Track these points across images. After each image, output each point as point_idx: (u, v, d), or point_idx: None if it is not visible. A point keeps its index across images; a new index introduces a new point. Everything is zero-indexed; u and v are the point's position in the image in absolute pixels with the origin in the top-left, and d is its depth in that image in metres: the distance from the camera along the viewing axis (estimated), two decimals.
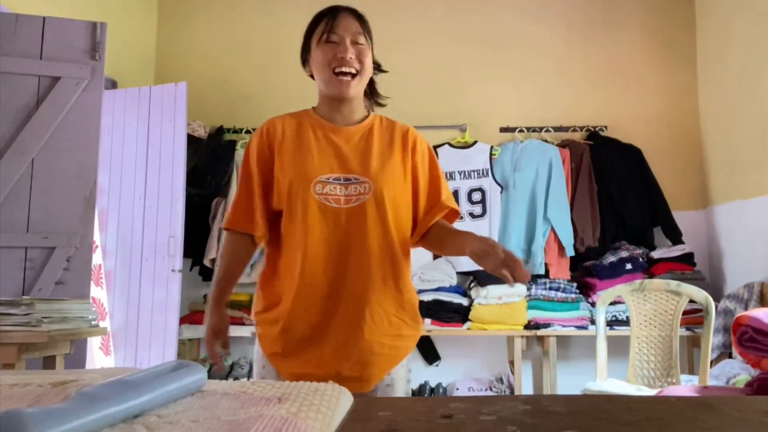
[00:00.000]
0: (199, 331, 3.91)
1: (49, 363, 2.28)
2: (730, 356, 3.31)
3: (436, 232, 1.57)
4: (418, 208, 1.56)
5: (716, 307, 3.16)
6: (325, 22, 1.49)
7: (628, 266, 3.78)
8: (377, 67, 1.60)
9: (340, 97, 1.49)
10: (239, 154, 4.15)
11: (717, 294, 3.74)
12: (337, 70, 1.46)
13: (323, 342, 1.43)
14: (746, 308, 3.25)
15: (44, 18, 2.91)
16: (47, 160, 2.83)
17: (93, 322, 2.41)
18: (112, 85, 3.90)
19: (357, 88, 1.50)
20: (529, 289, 3.81)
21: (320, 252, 1.43)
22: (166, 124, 3.74)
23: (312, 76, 1.57)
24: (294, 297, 1.44)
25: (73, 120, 2.87)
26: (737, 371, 3.03)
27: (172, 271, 3.62)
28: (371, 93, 1.64)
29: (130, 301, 3.65)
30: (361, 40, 1.49)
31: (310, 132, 1.52)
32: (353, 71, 1.47)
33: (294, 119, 1.55)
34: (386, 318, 1.46)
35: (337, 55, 1.45)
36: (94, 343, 3.41)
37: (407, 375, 1.54)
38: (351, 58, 1.46)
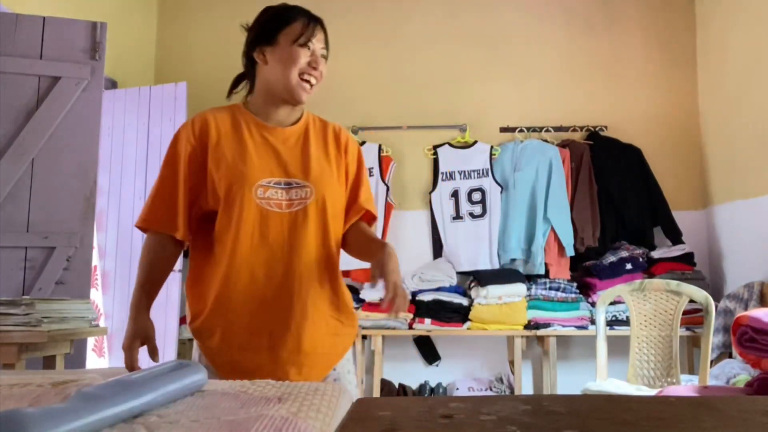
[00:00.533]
0: None
1: (49, 363, 2.28)
2: (730, 356, 3.31)
3: (354, 236, 1.57)
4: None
5: (716, 307, 3.16)
6: (302, 25, 1.51)
7: (628, 266, 3.78)
8: None
9: (293, 101, 1.50)
10: None
11: (717, 294, 3.74)
12: (305, 77, 1.48)
13: (262, 349, 1.42)
14: (746, 308, 3.25)
15: (44, 18, 2.91)
16: (47, 160, 2.83)
17: (93, 322, 2.41)
18: (112, 85, 3.90)
19: (308, 97, 1.51)
20: (529, 289, 3.81)
21: (258, 257, 1.42)
22: (166, 124, 3.74)
23: (254, 63, 1.55)
24: (229, 304, 1.43)
25: (73, 120, 2.87)
26: (737, 371, 3.03)
27: (172, 271, 3.62)
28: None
29: (130, 302, 3.65)
30: (325, 54, 1.54)
31: (246, 131, 1.49)
32: (314, 81, 1.50)
33: (227, 115, 1.52)
34: (324, 320, 1.48)
35: (312, 64, 1.48)
36: (87, 344, 3.41)
37: (353, 369, 1.58)
38: (321, 71, 1.50)
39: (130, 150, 3.78)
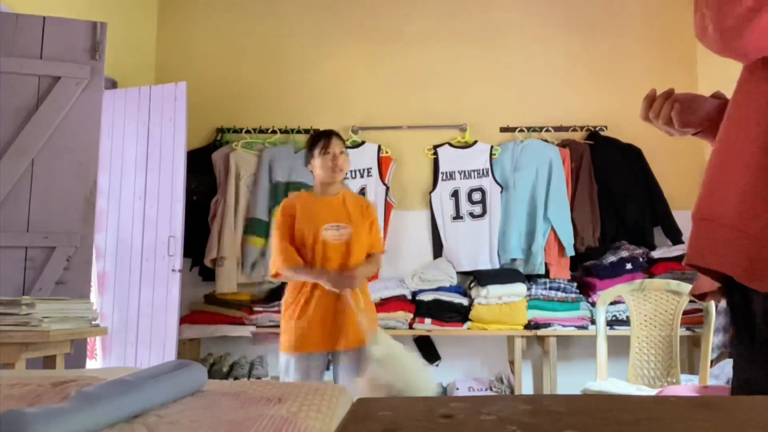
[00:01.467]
0: (199, 331, 3.91)
1: (49, 363, 2.28)
2: (730, 356, 3.31)
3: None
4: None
5: (716, 307, 3.16)
6: (324, 140, 2.64)
7: (628, 266, 3.78)
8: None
9: (331, 181, 2.65)
10: (236, 154, 4.15)
11: None
12: (332, 167, 2.62)
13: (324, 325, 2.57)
14: None
15: (44, 18, 2.91)
16: (47, 160, 2.83)
17: (93, 322, 2.41)
18: (112, 85, 3.90)
19: (341, 177, 2.68)
20: (529, 289, 3.81)
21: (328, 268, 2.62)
22: (166, 124, 3.74)
23: (311, 171, 2.72)
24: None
25: (73, 120, 2.87)
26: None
27: (172, 271, 3.62)
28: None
29: (130, 302, 3.64)
30: (345, 150, 2.69)
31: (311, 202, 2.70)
32: (340, 170, 2.65)
33: (301, 198, 2.73)
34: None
35: (333, 161, 2.62)
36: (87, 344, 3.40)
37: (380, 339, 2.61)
38: (341, 161, 2.64)
39: (130, 150, 3.78)
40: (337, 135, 2.69)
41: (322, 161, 2.61)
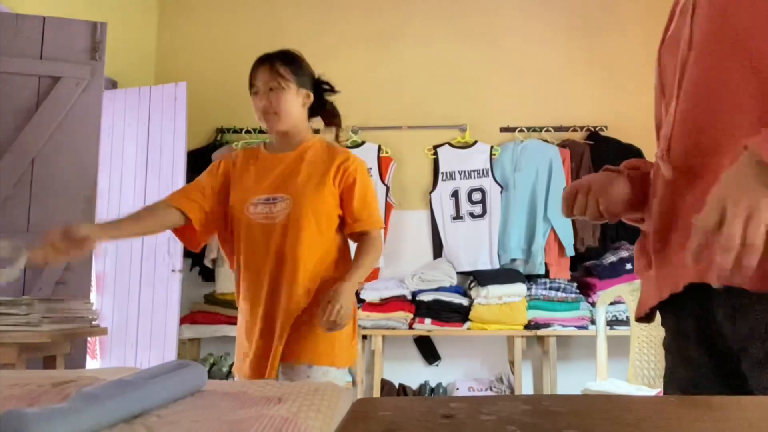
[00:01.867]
0: (199, 331, 3.91)
1: (49, 363, 2.28)
2: None
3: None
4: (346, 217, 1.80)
5: None
6: (251, 73, 1.86)
7: (628, 266, 3.78)
8: (326, 89, 1.88)
9: (271, 132, 1.82)
10: None
11: None
12: (264, 117, 1.79)
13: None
14: None
15: (44, 18, 2.91)
16: (47, 160, 2.83)
17: (93, 322, 2.41)
18: (112, 85, 3.90)
19: (282, 124, 1.78)
20: (529, 289, 3.81)
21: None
22: (166, 124, 3.74)
23: None
24: None
25: (73, 120, 2.87)
26: None
27: (173, 271, 3.62)
28: (323, 115, 1.91)
29: (130, 302, 3.64)
30: (274, 85, 1.77)
31: (251, 163, 1.83)
32: (271, 112, 1.77)
33: (248, 151, 1.90)
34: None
35: (257, 106, 1.79)
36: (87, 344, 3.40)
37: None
38: (266, 105, 1.77)
39: (130, 150, 3.78)
40: (272, 59, 1.81)
41: (253, 105, 1.83)
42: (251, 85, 1.81)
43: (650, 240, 0.99)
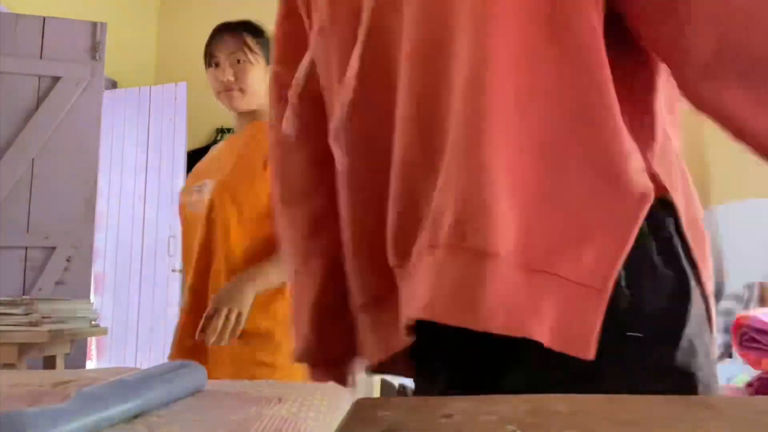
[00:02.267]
0: None
1: (49, 363, 2.29)
2: (730, 356, 3.31)
3: None
4: None
5: (716, 306, 3.16)
6: (206, 46, 1.56)
7: None
8: None
9: (232, 111, 1.57)
10: None
11: (717, 294, 3.74)
12: (224, 93, 1.53)
13: None
14: (746, 308, 3.25)
15: (44, 18, 2.91)
16: (47, 160, 2.83)
17: (93, 322, 2.41)
18: (112, 85, 3.90)
19: (246, 103, 1.53)
20: None
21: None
22: (166, 124, 3.74)
23: None
24: None
25: (73, 120, 2.87)
26: (737, 371, 3.03)
27: (173, 271, 3.62)
28: None
29: (130, 302, 3.65)
30: (242, 57, 1.51)
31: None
32: (235, 89, 1.51)
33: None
34: None
35: (218, 79, 1.52)
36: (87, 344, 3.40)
37: None
38: (229, 80, 1.50)
39: (130, 150, 3.78)
40: (238, 28, 1.60)
41: (210, 78, 1.59)
42: (210, 55, 1.55)
43: None
